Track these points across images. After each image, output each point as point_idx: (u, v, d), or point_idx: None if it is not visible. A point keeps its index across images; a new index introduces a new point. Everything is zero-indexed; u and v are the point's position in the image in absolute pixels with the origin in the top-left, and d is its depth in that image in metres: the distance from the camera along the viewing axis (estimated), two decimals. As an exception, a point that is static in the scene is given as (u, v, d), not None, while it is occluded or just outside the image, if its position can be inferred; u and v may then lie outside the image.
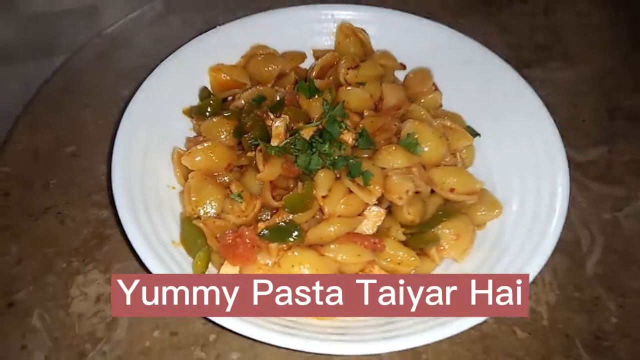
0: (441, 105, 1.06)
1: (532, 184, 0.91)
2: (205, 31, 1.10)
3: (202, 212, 0.86)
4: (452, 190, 0.88)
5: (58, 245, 1.01)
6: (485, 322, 0.90)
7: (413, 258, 0.83)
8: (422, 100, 1.03)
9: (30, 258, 0.99)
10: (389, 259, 0.83)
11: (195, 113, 1.00)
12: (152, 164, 0.93)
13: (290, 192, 0.84)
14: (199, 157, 0.89)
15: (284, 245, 0.80)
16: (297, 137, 0.88)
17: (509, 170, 0.96)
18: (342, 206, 0.83)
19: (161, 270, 0.76)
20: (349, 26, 1.09)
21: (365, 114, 0.96)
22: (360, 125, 0.91)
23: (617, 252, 1.02)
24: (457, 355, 0.88)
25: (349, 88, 0.97)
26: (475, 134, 1.02)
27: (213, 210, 0.86)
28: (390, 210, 0.88)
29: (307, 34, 1.13)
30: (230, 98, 1.04)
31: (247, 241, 0.77)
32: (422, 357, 0.87)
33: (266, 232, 0.80)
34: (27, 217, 1.05)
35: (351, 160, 0.85)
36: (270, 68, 1.06)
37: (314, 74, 1.04)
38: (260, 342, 0.74)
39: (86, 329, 0.91)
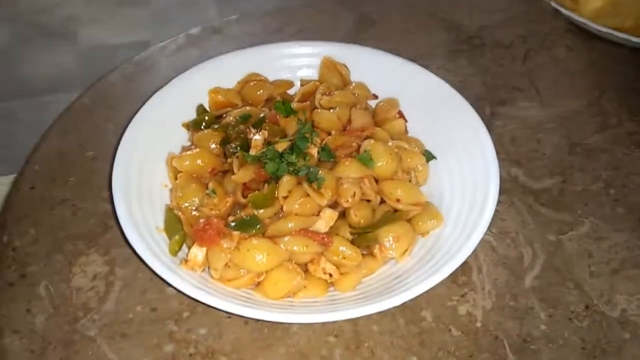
0: (406, 131, 1.21)
1: (468, 202, 1.04)
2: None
3: (183, 206, 1.02)
4: (398, 200, 1.02)
5: (68, 230, 1.19)
6: (424, 320, 1.03)
7: (356, 254, 0.96)
8: (387, 126, 1.18)
9: (44, 240, 1.17)
10: (335, 254, 0.97)
11: (192, 126, 1.18)
12: (151, 166, 1.10)
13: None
14: (187, 161, 1.07)
15: (246, 235, 0.95)
16: (269, 148, 1.04)
17: (455, 190, 1.09)
18: (299, 206, 0.98)
19: (142, 246, 0.92)
20: (331, 60, 1.26)
21: (333, 133, 1.12)
22: (324, 142, 1.07)
23: (556, 269, 1.12)
24: (396, 347, 1.00)
25: (319, 111, 1.13)
26: (431, 157, 1.16)
27: (193, 205, 1.03)
28: (344, 214, 1.02)
29: (297, 65, 1.31)
30: (224, 115, 1.22)
31: (214, 228, 0.93)
32: (364, 345, 1.00)
33: (233, 223, 0.96)
34: (46, 207, 1.24)
35: (311, 169, 1.01)
36: (260, 92, 1.23)
37: (296, 99, 1.21)
38: (227, 314, 0.88)
39: (81, 300, 1.07)
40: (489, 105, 1.46)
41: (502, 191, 1.22)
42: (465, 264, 1.09)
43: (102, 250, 1.16)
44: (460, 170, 1.12)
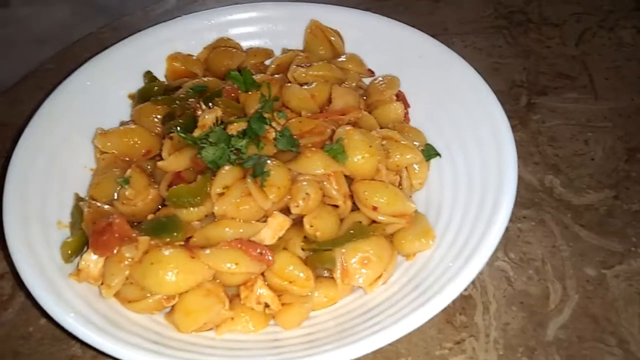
0: (406, 118, 0.94)
1: (472, 216, 0.75)
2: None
3: (98, 197, 0.79)
4: (374, 208, 0.75)
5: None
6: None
7: (306, 277, 0.70)
8: (380, 110, 0.91)
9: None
10: (279, 276, 0.71)
11: (137, 97, 0.95)
12: (73, 145, 0.88)
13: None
14: (112, 140, 0.84)
15: (159, 242, 0.71)
16: (215, 129, 0.80)
17: (458, 197, 0.81)
18: (235, 207, 0.72)
19: (21, 248, 0.70)
20: (319, 25, 1.00)
21: (302, 114, 0.85)
22: (285, 125, 0.81)
23: (592, 317, 0.82)
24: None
25: (289, 85, 0.87)
26: (434, 154, 0.88)
27: (109, 197, 0.79)
28: (302, 222, 0.76)
29: (279, 31, 1.06)
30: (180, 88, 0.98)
31: (116, 230, 0.69)
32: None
33: (145, 225, 0.72)
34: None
35: (261, 159, 0.75)
36: (228, 62, 0.99)
37: (269, 70, 0.96)
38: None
39: (-22, 305, 0.87)
40: (526, 94, 1.16)
41: (529, 204, 0.95)
42: (467, 298, 0.83)
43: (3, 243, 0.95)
44: (468, 174, 0.84)
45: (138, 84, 1.00)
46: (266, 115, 0.82)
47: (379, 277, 0.73)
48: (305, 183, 0.73)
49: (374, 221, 0.78)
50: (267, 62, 1.04)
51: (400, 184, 0.83)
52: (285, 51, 1.04)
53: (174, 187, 0.73)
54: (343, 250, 0.72)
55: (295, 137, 0.80)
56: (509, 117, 0.90)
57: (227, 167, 0.75)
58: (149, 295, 0.69)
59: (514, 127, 0.90)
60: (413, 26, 1.06)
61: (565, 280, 0.87)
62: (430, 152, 0.88)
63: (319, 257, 0.72)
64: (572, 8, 1.37)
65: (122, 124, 0.93)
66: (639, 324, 0.82)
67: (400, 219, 0.76)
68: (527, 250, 0.91)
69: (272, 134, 0.82)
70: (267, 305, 0.70)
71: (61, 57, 1.33)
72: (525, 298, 0.85)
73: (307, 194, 0.71)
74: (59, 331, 0.83)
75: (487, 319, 0.82)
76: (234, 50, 1.02)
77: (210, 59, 1.02)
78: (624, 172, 1.01)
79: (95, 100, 0.94)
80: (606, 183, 1.00)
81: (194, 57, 1.02)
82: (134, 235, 0.70)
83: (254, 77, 0.89)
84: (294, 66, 0.91)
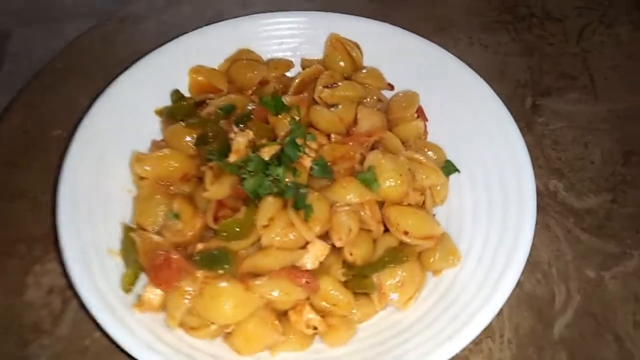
0: (426, 133, 0.99)
1: (495, 235, 0.83)
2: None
3: (146, 225, 0.84)
4: (406, 233, 0.83)
5: (25, 230, 1.03)
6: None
7: (348, 301, 0.78)
8: (401, 127, 0.96)
9: (-4, 239, 1.02)
10: (324, 300, 0.78)
11: (165, 115, 0.98)
12: (111, 167, 0.92)
13: (231, 217, 0.81)
14: (149, 166, 0.88)
15: (212, 274, 0.77)
16: (251, 157, 0.84)
17: (479, 213, 0.89)
18: (281, 238, 0.79)
19: (85, 278, 0.76)
20: (339, 38, 1.03)
21: (333, 137, 0.91)
22: (320, 154, 0.86)
23: (593, 315, 0.93)
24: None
25: (318, 108, 0.92)
26: (453, 170, 0.95)
27: (156, 225, 0.85)
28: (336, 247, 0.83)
29: (300, 41, 1.08)
30: (205, 102, 1.01)
31: (174, 267, 0.75)
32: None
33: (197, 257, 0.78)
34: (3, 199, 1.07)
35: (301, 190, 0.81)
36: (251, 74, 1.02)
37: (291, 89, 0.99)
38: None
39: (32, 320, 0.93)
40: (531, 96, 1.22)
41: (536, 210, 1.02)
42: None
43: (61, 259, 1.00)
44: (486, 190, 0.91)
45: (164, 98, 1.02)
46: (298, 141, 0.87)
47: (412, 297, 0.81)
48: (345, 217, 0.79)
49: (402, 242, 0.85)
50: (287, 73, 1.07)
51: (424, 203, 0.90)
52: (304, 62, 1.08)
53: (224, 222, 0.79)
54: (381, 275, 0.80)
55: (328, 163, 0.85)
56: (516, 120, 0.96)
57: (269, 199, 0.81)
58: (209, 323, 0.76)
59: (520, 131, 0.97)
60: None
61: (568, 282, 0.96)
62: (450, 169, 0.94)
63: (359, 282, 0.79)
64: (574, 2, 1.41)
65: (154, 143, 0.97)
66: (632, 322, 0.93)
67: (428, 240, 0.83)
68: (535, 254, 1.00)
69: (305, 160, 0.87)
70: (314, 328, 0.78)
71: (67, 54, 1.33)
72: (534, 300, 0.95)
73: (349, 229, 0.78)
74: (114, 344, 0.90)
75: (500, 321, 0.92)
76: (256, 62, 1.05)
77: (232, 72, 1.04)
78: (621, 176, 1.10)
79: (125, 119, 0.96)
80: (604, 187, 1.08)
81: (217, 70, 1.05)
82: (190, 268, 0.76)
83: (283, 99, 0.92)
84: (320, 87, 0.95)
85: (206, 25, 1.09)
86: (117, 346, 0.88)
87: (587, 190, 1.08)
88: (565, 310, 0.94)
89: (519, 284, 0.95)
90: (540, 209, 1.04)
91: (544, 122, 1.18)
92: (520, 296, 0.95)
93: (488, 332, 0.91)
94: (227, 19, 1.10)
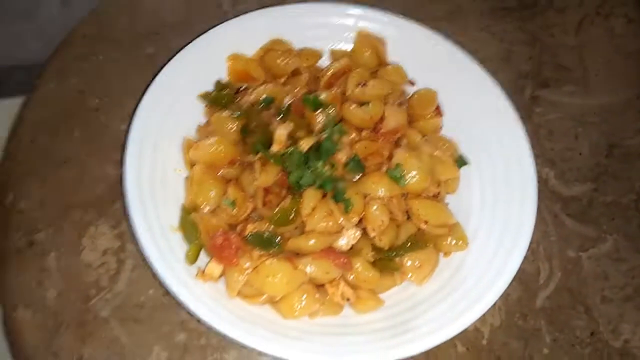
0: (440, 129, 1.12)
1: (500, 221, 0.99)
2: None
3: (201, 206, 0.97)
4: (425, 222, 0.98)
5: (75, 196, 1.13)
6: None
7: (376, 278, 0.94)
8: (421, 123, 1.08)
9: (51, 204, 1.12)
10: (354, 276, 0.94)
11: (209, 102, 1.08)
12: (164, 149, 1.02)
13: (279, 204, 0.94)
14: (203, 152, 0.99)
15: (264, 252, 0.92)
16: (293, 150, 0.96)
17: (485, 203, 1.04)
18: (322, 224, 0.93)
19: (157, 255, 0.89)
20: (367, 35, 1.13)
21: (363, 133, 1.03)
22: (353, 150, 0.99)
23: (570, 290, 1.11)
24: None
25: (352, 107, 1.03)
26: (464, 162, 1.09)
27: (210, 204, 0.97)
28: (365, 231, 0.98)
29: (329, 32, 1.17)
30: (242, 88, 1.11)
31: (233, 246, 0.89)
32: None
33: (251, 238, 0.92)
34: (50, 165, 1.16)
35: (339, 185, 0.94)
36: (284, 64, 1.11)
37: (322, 83, 1.09)
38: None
39: (92, 278, 1.05)
40: (530, 87, 1.34)
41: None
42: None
43: (112, 222, 1.11)
44: (492, 180, 1.06)
45: (206, 84, 1.12)
46: (335, 138, 0.99)
47: (427, 275, 0.98)
48: (378, 211, 0.93)
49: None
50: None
51: (439, 193, 1.05)
52: (334, 53, 1.17)
53: (274, 213, 0.92)
54: (404, 258, 0.96)
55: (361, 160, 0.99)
56: (517, 110, 1.09)
57: (311, 192, 0.94)
58: (261, 293, 0.91)
59: (520, 120, 1.09)
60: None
61: (552, 260, 1.14)
62: (461, 162, 1.08)
63: (386, 263, 0.95)
64: (577, -10, 1.50)
65: (200, 128, 1.07)
66: (600, 296, 1.11)
67: (443, 228, 0.99)
68: (525, 234, 1.16)
69: (340, 154, 0.99)
70: (348, 299, 0.94)
71: (93, 21, 1.36)
72: (522, 274, 1.11)
73: (382, 222, 0.92)
74: (167, 300, 1.03)
75: (494, 292, 1.10)
76: (289, 52, 1.14)
77: (266, 61, 1.13)
78: (603, 167, 1.25)
79: (174, 105, 1.06)
80: (589, 176, 1.23)
81: (253, 59, 1.13)
82: (247, 248, 0.90)
83: (320, 97, 1.03)
84: (352, 85, 1.06)
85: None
86: (169, 301, 1.02)
87: (574, 179, 1.23)
88: (547, 285, 1.11)
89: (510, 260, 1.14)
90: (533, 194, 1.21)
91: (541, 112, 1.31)
92: (510, 271, 1.12)
93: (483, 300, 1.09)
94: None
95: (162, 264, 0.89)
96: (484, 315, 1.05)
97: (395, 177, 0.96)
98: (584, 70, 1.38)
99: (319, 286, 0.95)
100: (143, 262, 1.05)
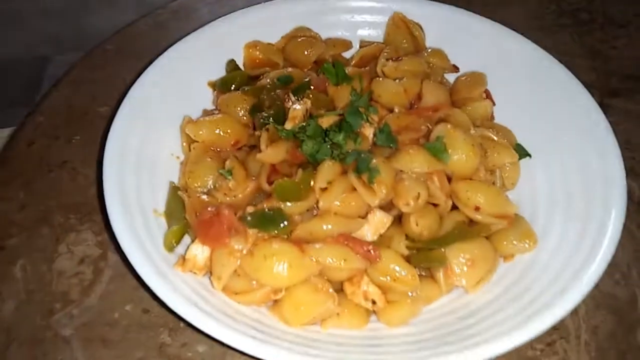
0: (492, 117, 0.93)
1: (578, 220, 0.75)
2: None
3: (193, 186, 0.79)
4: (477, 208, 0.75)
5: (61, 199, 0.99)
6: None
7: (412, 277, 0.70)
8: (469, 107, 0.89)
9: (32, 207, 0.98)
10: (383, 274, 0.70)
11: (219, 85, 0.94)
12: (160, 132, 0.87)
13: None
14: (203, 129, 0.83)
15: (265, 235, 0.70)
16: (310, 122, 0.79)
17: (556, 199, 0.80)
18: (340, 203, 0.72)
19: (129, 238, 0.69)
20: (402, 17, 0.99)
21: (396, 110, 0.84)
22: (384, 120, 0.80)
23: (682, 323, 0.82)
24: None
25: (381, 79, 0.86)
26: (525, 154, 0.87)
27: (205, 186, 0.79)
28: (400, 220, 0.76)
29: (357, 22, 1.04)
30: (260, 77, 0.97)
31: (224, 222, 0.68)
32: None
33: (248, 216, 0.71)
34: (43, 168, 1.04)
35: (362, 155, 0.74)
36: (308, 52, 0.98)
37: (353, 61, 0.94)
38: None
39: (61, 288, 0.87)
40: (597, 96, 1.14)
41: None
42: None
43: (96, 228, 0.95)
44: (563, 174, 0.83)
45: (217, 72, 0.99)
46: (361, 109, 0.81)
47: (481, 279, 0.73)
48: (410, 182, 0.72)
49: (472, 221, 0.77)
50: (344, 54, 1.03)
51: (493, 184, 0.82)
52: (363, 42, 1.03)
53: (280, 181, 0.72)
54: (449, 250, 0.72)
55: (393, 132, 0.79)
56: None
57: (329, 162, 0.74)
58: (256, 288, 0.68)
59: None
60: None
61: (650, 285, 0.87)
62: (520, 152, 0.87)
63: (425, 255, 0.71)
64: (635, 8, 1.36)
65: (206, 112, 0.92)
66: None
67: (502, 220, 0.75)
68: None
69: (366, 129, 0.80)
70: (373, 302, 0.69)
71: (119, 38, 1.32)
72: (612, 301, 0.85)
73: (418, 194, 0.70)
74: (145, 318, 0.83)
75: (576, 321, 0.82)
76: (314, 39, 1.01)
77: (288, 49, 1.00)
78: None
79: (178, 88, 0.93)
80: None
81: (273, 45, 1.01)
82: (241, 227, 0.69)
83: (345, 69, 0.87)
84: (383, 60, 0.90)
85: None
86: (148, 320, 0.81)
87: (665, 191, 0.99)
88: (648, 316, 0.83)
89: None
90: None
91: (613, 121, 1.10)
92: (597, 297, 0.85)
93: (562, 332, 0.81)
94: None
95: (135, 249, 0.69)
96: (565, 352, 0.79)
97: (436, 149, 0.75)
98: (658, 80, 1.18)
99: (337, 290, 0.72)
100: (123, 272, 0.86)
